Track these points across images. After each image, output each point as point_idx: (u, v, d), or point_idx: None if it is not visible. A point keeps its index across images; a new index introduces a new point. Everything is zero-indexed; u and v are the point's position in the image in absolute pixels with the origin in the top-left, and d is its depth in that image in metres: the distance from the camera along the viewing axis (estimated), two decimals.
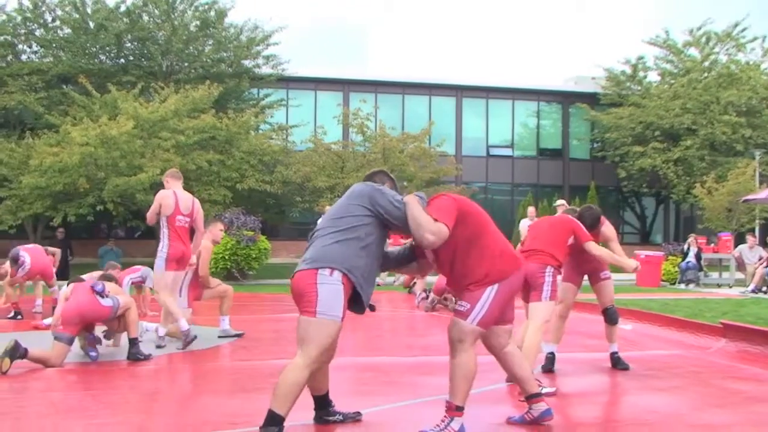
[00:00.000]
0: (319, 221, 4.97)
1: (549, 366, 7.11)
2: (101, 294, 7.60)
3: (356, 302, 4.57)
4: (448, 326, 4.73)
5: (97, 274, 8.56)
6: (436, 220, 4.44)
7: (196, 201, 9.00)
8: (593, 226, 7.08)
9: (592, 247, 6.76)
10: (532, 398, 5.06)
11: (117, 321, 7.95)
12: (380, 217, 4.53)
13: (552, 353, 7.17)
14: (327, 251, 4.44)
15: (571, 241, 6.69)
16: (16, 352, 7.01)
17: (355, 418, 5.17)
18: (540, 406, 5.06)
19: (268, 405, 4.41)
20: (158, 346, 8.48)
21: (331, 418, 5.07)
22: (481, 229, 4.69)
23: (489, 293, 4.61)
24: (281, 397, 4.38)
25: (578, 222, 6.89)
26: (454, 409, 4.64)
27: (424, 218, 4.43)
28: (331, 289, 4.35)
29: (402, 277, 17.63)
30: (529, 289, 6.42)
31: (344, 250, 4.43)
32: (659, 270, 19.67)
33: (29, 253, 12.37)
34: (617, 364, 7.34)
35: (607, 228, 7.37)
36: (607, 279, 7.45)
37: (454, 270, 4.73)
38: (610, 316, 7.39)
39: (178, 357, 8.16)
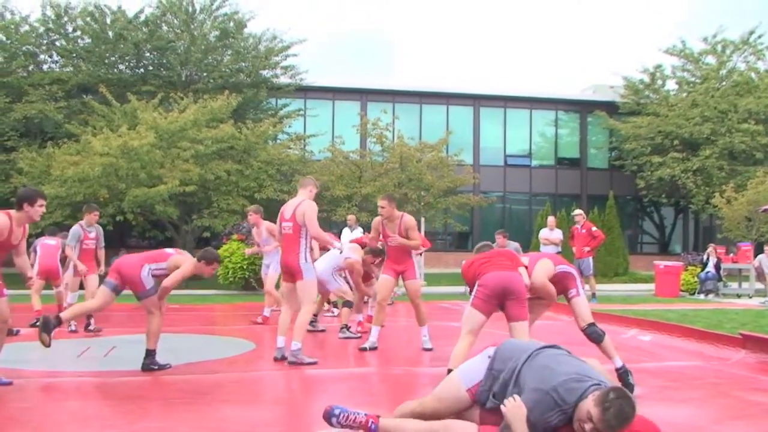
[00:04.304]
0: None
1: None
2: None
3: None
4: None
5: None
6: None
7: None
8: None
9: None
10: None
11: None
12: None
13: None
14: None
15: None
16: (49, 325, 7.27)
17: None
18: None
19: (287, 415, 4.40)
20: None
21: None
22: None
23: None
24: None
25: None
26: None
27: None
28: None
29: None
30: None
31: None
32: (678, 280, 19.56)
33: (41, 249, 12.36)
34: None
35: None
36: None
37: None
38: None
39: (195, 367, 8.19)
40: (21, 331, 10.96)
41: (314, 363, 8.17)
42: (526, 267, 6.82)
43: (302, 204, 8.41)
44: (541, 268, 6.89)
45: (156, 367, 7.76)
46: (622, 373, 6.75)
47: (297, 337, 8.22)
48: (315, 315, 11.18)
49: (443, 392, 4.58)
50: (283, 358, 8.36)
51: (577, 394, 4.01)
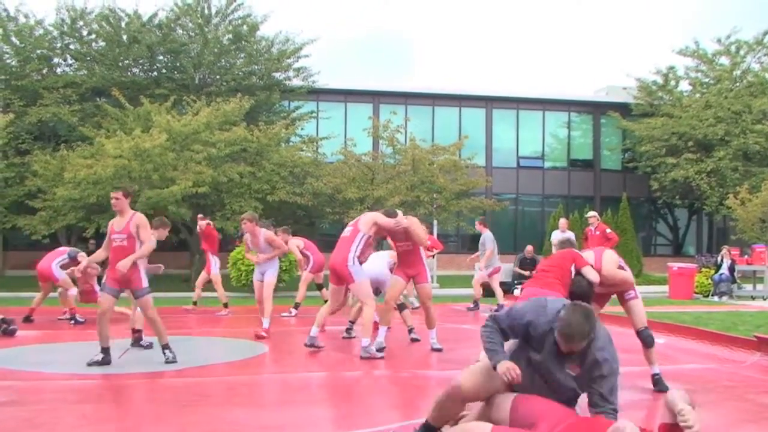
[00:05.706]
0: None
1: None
2: None
3: None
4: None
5: None
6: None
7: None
8: None
9: None
10: None
11: None
12: None
13: None
14: None
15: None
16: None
17: None
18: None
19: (299, 418, 4.41)
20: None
21: None
22: None
23: None
24: None
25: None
26: None
27: None
28: None
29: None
30: None
31: None
32: (692, 282, 19.46)
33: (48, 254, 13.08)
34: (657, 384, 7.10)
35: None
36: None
37: None
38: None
39: (207, 369, 8.21)
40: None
41: (382, 357, 8.71)
42: (592, 265, 6.93)
43: (372, 214, 9.31)
44: (609, 257, 7.09)
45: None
46: (657, 380, 7.02)
47: (365, 335, 8.71)
48: (352, 322, 10.89)
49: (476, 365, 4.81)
50: (312, 345, 8.85)
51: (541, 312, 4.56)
